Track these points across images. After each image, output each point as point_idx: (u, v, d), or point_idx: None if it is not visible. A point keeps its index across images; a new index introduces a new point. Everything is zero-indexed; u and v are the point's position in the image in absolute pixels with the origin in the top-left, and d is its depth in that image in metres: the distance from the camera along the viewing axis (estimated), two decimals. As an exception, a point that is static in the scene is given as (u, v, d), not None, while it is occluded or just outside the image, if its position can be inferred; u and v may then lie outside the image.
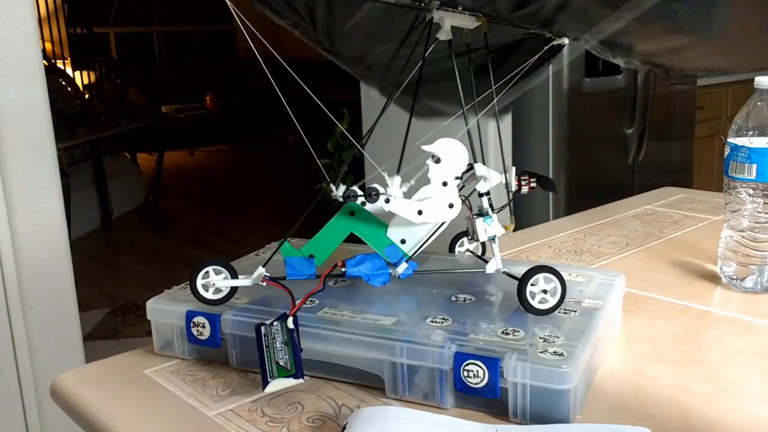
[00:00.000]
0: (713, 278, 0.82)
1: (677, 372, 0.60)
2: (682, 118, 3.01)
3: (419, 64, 0.65)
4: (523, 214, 2.43)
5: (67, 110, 3.96)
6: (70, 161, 3.58)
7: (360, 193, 0.62)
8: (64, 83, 4.17)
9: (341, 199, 0.62)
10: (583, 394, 0.54)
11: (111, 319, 2.99)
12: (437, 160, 0.63)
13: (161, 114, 6.44)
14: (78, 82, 4.73)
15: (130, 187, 4.72)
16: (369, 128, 0.67)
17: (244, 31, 0.61)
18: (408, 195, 0.64)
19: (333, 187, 0.63)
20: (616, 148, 2.70)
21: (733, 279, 0.79)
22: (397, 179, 0.61)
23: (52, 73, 4.16)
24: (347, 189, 0.63)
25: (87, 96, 4.57)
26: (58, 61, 4.99)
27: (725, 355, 0.63)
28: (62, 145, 3.40)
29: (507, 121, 2.38)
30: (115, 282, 3.50)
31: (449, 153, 0.63)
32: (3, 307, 1.54)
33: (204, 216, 4.73)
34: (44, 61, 4.12)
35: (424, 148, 0.63)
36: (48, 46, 4.99)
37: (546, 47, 0.62)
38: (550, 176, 2.48)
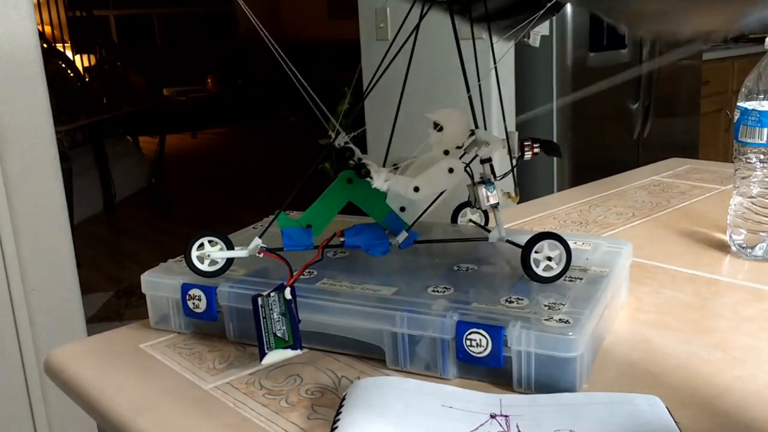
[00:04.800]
0: (722, 247, 0.80)
1: (686, 340, 0.58)
2: (688, 93, 2.97)
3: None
4: (527, 189, 2.41)
5: (67, 93, 3.93)
6: (71, 144, 3.56)
7: (361, 160, 0.60)
8: (64, 66, 4.14)
9: (339, 147, 0.59)
10: (589, 363, 0.53)
11: (115, 301, 2.99)
12: (440, 129, 0.61)
13: (162, 96, 6.41)
14: (78, 65, 4.70)
15: (132, 170, 4.71)
16: (368, 91, 0.65)
17: (249, 15, 0.59)
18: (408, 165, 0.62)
19: (332, 134, 0.61)
20: (620, 123, 2.68)
21: (743, 247, 0.77)
22: (383, 173, 0.58)
23: (52, 56, 4.13)
24: (347, 147, 0.60)
25: (87, 79, 4.54)
26: (57, 44, 4.96)
27: (735, 323, 0.61)
28: (63, 128, 3.38)
29: (510, 96, 2.36)
30: (118, 265, 3.50)
31: (452, 122, 0.61)
32: (5, 289, 1.53)
33: (207, 198, 4.73)
34: (44, 44, 4.09)
35: (427, 115, 0.61)
36: (48, 29, 4.96)
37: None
38: (555, 153, 2.46)
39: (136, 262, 3.52)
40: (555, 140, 2.47)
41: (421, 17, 0.61)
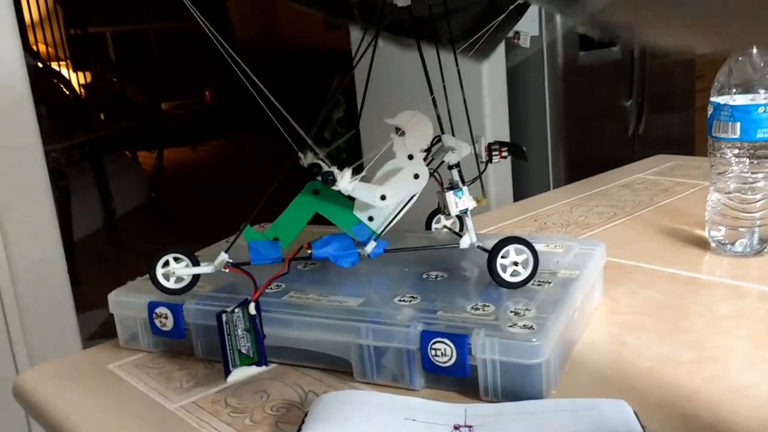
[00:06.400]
0: (702, 244, 0.79)
1: (660, 341, 0.58)
2: (682, 87, 2.96)
3: (373, 39, 0.62)
4: (523, 189, 2.40)
5: (64, 111, 3.94)
6: (68, 162, 3.56)
7: (325, 169, 0.59)
8: (60, 84, 4.15)
9: (306, 166, 0.59)
10: (557, 369, 0.52)
11: (116, 317, 2.99)
12: (401, 133, 0.60)
13: (161, 111, 6.42)
14: (75, 82, 4.71)
15: (131, 185, 4.71)
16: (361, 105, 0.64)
17: (202, 22, 0.59)
18: (373, 168, 0.61)
19: (301, 155, 0.61)
20: (615, 121, 2.66)
21: (722, 243, 0.76)
22: (347, 173, 0.58)
23: (48, 75, 4.14)
24: (314, 163, 0.60)
25: (84, 96, 4.55)
26: (53, 63, 4.98)
27: (711, 321, 0.61)
28: (59, 145, 3.38)
29: (503, 97, 2.35)
30: (119, 281, 3.48)
31: (413, 125, 0.60)
32: (-2, 309, 1.53)
33: (208, 211, 4.72)
34: (38, 63, 4.08)
35: (387, 121, 0.60)
36: (42, 48, 4.97)
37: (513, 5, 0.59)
38: (549, 151, 2.45)
39: (137, 277, 3.52)
40: (549, 138, 2.46)
41: (378, 29, 0.60)
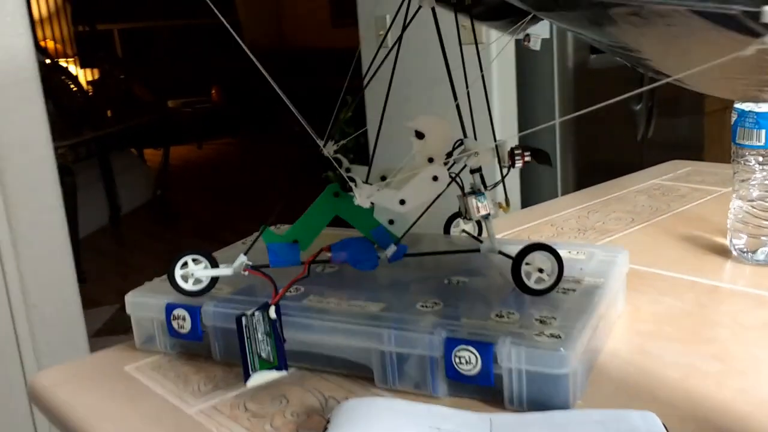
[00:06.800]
0: (723, 252, 0.78)
1: (684, 351, 0.57)
2: (692, 92, 2.93)
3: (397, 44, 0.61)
4: (531, 193, 2.40)
5: (71, 108, 3.94)
6: (75, 158, 3.56)
7: (346, 166, 0.59)
8: (68, 81, 4.16)
9: (329, 155, 0.59)
10: (583, 378, 0.51)
11: (121, 314, 2.98)
12: (421, 137, 0.60)
13: (168, 109, 6.42)
14: (82, 79, 4.72)
15: (137, 182, 4.71)
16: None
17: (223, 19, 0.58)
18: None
19: (322, 145, 0.60)
20: (624, 125, 2.65)
21: (744, 252, 0.75)
22: (365, 188, 0.57)
23: (56, 71, 4.14)
24: (336, 158, 0.59)
25: (91, 93, 4.56)
26: (62, 59, 4.98)
27: (736, 332, 0.60)
28: (66, 142, 3.38)
29: (512, 100, 2.34)
30: (124, 278, 3.49)
31: (432, 129, 0.59)
32: (5, 305, 1.53)
33: (214, 209, 4.72)
34: (47, 60, 4.08)
35: (407, 124, 0.59)
36: (52, 44, 4.98)
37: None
38: (558, 156, 2.44)
39: (143, 274, 3.51)
40: (558, 143, 2.45)
41: (408, 21, 0.59)
